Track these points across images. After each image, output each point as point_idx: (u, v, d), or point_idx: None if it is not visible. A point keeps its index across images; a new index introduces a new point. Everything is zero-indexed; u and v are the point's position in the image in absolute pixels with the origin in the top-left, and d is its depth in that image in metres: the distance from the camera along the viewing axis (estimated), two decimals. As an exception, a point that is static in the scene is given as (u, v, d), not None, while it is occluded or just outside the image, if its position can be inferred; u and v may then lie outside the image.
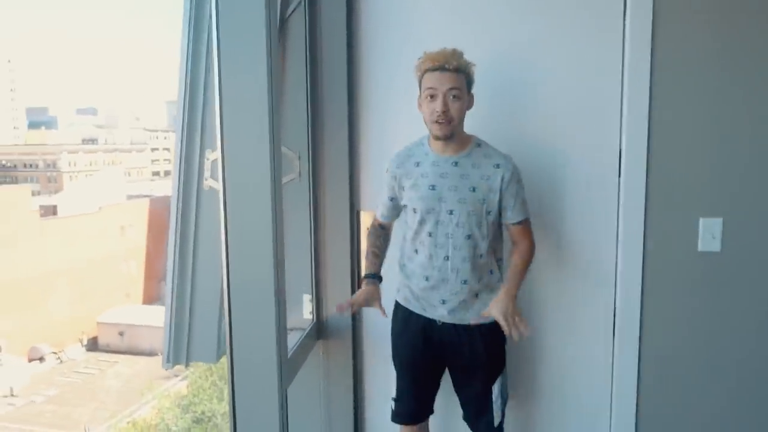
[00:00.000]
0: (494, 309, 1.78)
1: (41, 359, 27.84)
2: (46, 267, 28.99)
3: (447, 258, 1.84)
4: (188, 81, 1.77)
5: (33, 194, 35.93)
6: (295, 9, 2.14)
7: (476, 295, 1.88)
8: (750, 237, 1.96)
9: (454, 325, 1.90)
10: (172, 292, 1.86)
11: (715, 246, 1.98)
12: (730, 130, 1.93)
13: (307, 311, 2.26)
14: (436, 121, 1.75)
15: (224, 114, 1.63)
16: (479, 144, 1.87)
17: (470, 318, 1.88)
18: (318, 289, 2.26)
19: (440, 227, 1.83)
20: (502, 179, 1.80)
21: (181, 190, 1.80)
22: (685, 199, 1.99)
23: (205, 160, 1.79)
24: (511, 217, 1.85)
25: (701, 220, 1.98)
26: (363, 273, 2.02)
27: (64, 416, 22.46)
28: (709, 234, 1.98)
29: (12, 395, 24.58)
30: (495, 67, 2.10)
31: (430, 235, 1.85)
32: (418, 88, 1.83)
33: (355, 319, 2.31)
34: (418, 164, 1.87)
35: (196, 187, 1.80)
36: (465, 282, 1.85)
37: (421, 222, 1.86)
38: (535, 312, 2.17)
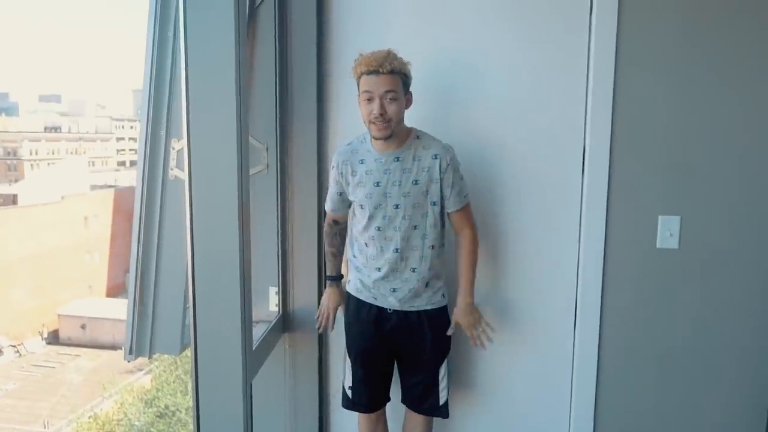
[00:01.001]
0: (461, 321, 1.97)
1: (-1, 352, 27.08)
2: (6, 257, 28.15)
3: (396, 250, 1.92)
4: (154, 68, 1.74)
5: (-8, 183, 34.81)
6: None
7: (426, 284, 1.95)
8: (707, 234, 2.02)
9: (405, 313, 1.97)
10: (136, 283, 1.83)
11: (673, 243, 2.04)
12: (690, 130, 1.99)
13: (273, 303, 2.25)
14: (374, 123, 1.80)
15: (190, 103, 1.61)
16: (418, 136, 1.92)
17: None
18: (284, 281, 2.26)
19: (388, 221, 1.90)
20: (440, 169, 1.86)
21: (145, 179, 1.77)
22: (645, 197, 2.04)
23: (171, 149, 1.77)
24: (449, 205, 1.91)
25: (660, 218, 2.04)
26: (327, 274, 2.14)
27: (23, 411, 21.89)
28: (667, 231, 2.04)
29: (-31, 389, 23.86)
30: (457, 65, 2.12)
31: (378, 229, 1.92)
32: (358, 89, 1.86)
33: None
34: (362, 161, 1.92)
35: (161, 176, 1.77)
36: (414, 271, 1.93)
37: (370, 217, 1.92)
38: (496, 304, 2.21)
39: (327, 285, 2.13)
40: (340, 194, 1.99)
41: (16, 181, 41.70)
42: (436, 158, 1.86)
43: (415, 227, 1.89)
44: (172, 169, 1.78)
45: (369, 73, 1.77)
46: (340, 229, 2.11)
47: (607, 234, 2.07)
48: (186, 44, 1.59)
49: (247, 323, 1.74)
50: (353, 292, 2.03)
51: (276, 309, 2.27)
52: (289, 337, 2.31)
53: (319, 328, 2.14)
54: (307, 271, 2.28)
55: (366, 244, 1.96)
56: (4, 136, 51.02)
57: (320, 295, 2.26)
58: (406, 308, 1.96)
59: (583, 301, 2.15)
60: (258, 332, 2.15)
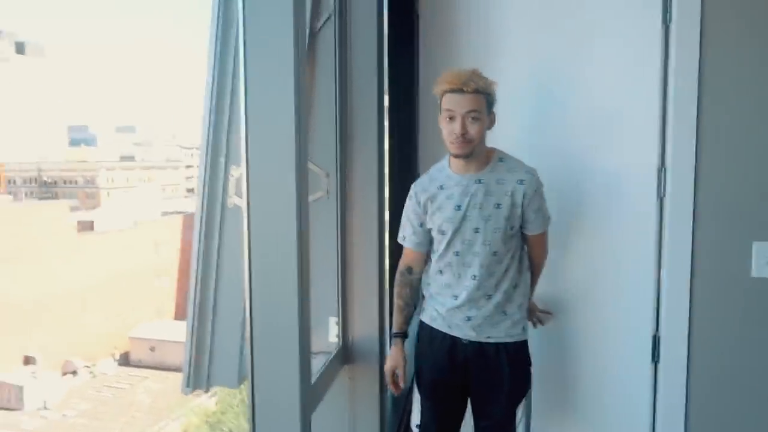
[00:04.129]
0: None
1: (74, 373, 28.25)
2: (82, 282, 29.55)
3: (474, 277, 1.84)
4: (214, 94, 1.73)
5: (71, 210, 36.79)
6: (325, 22, 2.09)
7: (504, 313, 1.86)
8: (809, 263, 1.82)
9: (481, 344, 1.87)
10: (194, 313, 1.80)
11: (769, 272, 1.85)
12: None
13: (333, 334, 2.18)
14: (453, 142, 1.76)
15: (249, 129, 1.57)
16: (502, 159, 1.85)
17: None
18: (345, 311, 2.18)
19: (467, 246, 1.83)
20: (524, 195, 1.81)
21: (205, 207, 1.75)
22: (737, 221, 1.86)
23: (230, 176, 1.75)
24: (531, 229, 1.88)
25: (754, 244, 1.85)
26: (393, 329, 2.02)
27: (94, 430, 22.67)
28: (763, 258, 1.85)
29: (45, 408, 24.94)
30: (526, 79, 2.02)
31: (457, 254, 1.85)
32: (437, 107, 1.82)
33: (383, 343, 2.21)
34: (441, 187, 1.86)
35: (220, 204, 1.75)
36: (490, 298, 1.85)
37: (449, 242, 1.85)
38: (569, 337, 2.07)
39: (392, 343, 1.99)
40: (422, 225, 1.91)
41: (94, 208, 43.92)
42: (521, 183, 1.82)
43: (494, 253, 1.83)
44: (230, 197, 1.76)
45: (452, 91, 1.73)
46: (413, 280, 1.98)
47: (693, 261, 1.90)
48: (245, 69, 1.56)
49: (305, 356, 1.67)
50: (427, 321, 1.96)
51: (336, 340, 2.20)
52: (349, 369, 2.23)
53: (396, 395, 2.05)
54: (367, 301, 2.19)
55: (441, 271, 1.90)
56: (84, 166, 54.03)
57: (382, 324, 2.17)
58: (482, 339, 1.87)
59: (667, 335, 1.97)
60: (318, 364, 2.07)
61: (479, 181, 1.81)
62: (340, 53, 2.11)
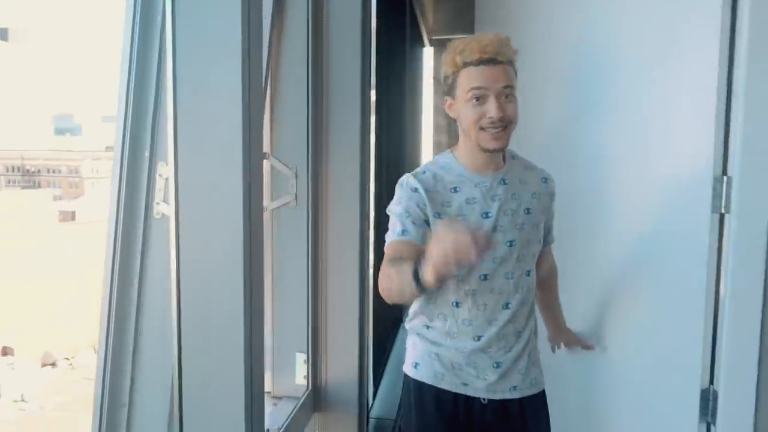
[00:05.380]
0: (563, 338, 1.68)
1: (53, 364, 27.73)
2: (62, 271, 29.01)
3: (507, 305, 1.41)
4: (134, 65, 1.28)
5: (54, 199, 36.15)
6: (296, -18, 1.65)
7: (530, 355, 1.47)
8: None
9: (502, 403, 1.44)
10: (105, 356, 1.34)
11: None
12: None
13: (300, 375, 1.74)
14: (486, 129, 1.31)
15: (179, 113, 1.14)
16: (513, 155, 1.48)
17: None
18: (315, 346, 1.74)
19: (497, 265, 1.40)
20: (551, 196, 1.50)
21: (121, 218, 1.29)
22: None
23: (157, 176, 1.30)
24: (550, 239, 1.58)
25: None
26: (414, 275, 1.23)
27: (72, 422, 22.21)
28: None
29: (23, 400, 24.44)
30: (553, 65, 1.60)
31: (485, 278, 1.39)
32: (448, 87, 1.37)
33: (364, 386, 1.78)
34: (455, 189, 1.37)
35: (142, 213, 1.29)
36: (519, 335, 1.44)
37: (478, 263, 1.35)
38: (596, 384, 1.66)
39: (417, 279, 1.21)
40: (427, 222, 1.35)
41: (77, 197, 43.16)
42: (546, 182, 1.49)
43: (528, 273, 1.44)
44: (157, 204, 1.31)
45: (481, 62, 1.30)
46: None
47: (766, 300, 1.48)
48: (173, 31, 1.13)
49: (255, 405, 1.25)
50: (429, 380, 1.44)
51: (304, 382, 1.76)
52: (321, 419, 1.80)
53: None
54: (345, 333, 1.76)
55: (457, 304, 1.40)
56: (68, 155, 53.17)
57: (362, 364, 1.74)
58: (506, 395, 1.44)
59: (727, 393, 1.54)
60: (281, 413, 1.65)
61: (504, 182, 1.41)
62: (314, 20, 1.67)
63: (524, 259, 1.43)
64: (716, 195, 1.50)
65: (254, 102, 1.18)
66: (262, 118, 1.23)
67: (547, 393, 1.61)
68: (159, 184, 1.34)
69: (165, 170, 1.30)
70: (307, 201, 1.69)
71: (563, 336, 1.70)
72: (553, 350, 1.72)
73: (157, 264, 1.31)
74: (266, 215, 1.73)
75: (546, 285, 1.63)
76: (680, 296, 1.58)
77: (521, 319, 1.45)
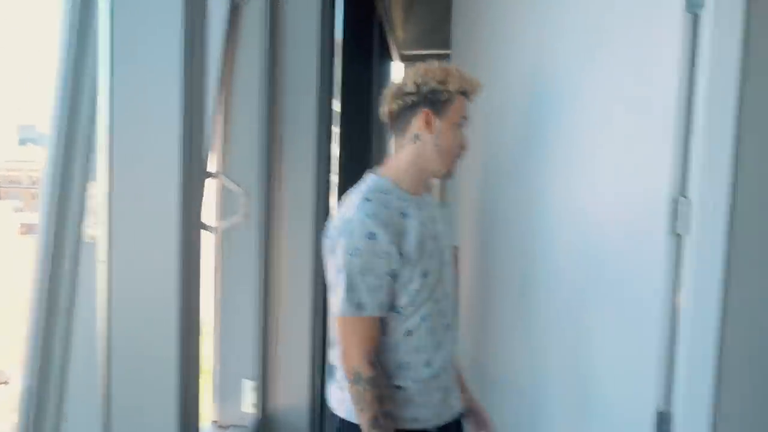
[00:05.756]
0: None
1: (6, 383, 26.72)
2: (23, 286, 28.07)
3: (448, 327, 1.39)
4: (69, 70, 1.19)
5: (15, 211, 35.14)
6: (251, -5, 1.59)
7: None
8: None
9: (446, 426, 1.37)
10: (30, 387, 1.23)
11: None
12: None
13: (248, 403, 1.66)
14: (459, 156, 1.34)
15: (114, 132, 1.07)
16: None
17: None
18: (265, 372, 1.66)
19: (443, 288, 1.37)
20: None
21: (49, 243, 1.18)
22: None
23: (87, 196, 1.20)
24: None
25: (801, 304, 1.42)
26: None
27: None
28: (811, 324, 1.41)
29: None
30: (511, 82, 1.58)
31: (437, 302, 1.35)
32: (437, 102, 1.31)
33: (316, 414, 1.70)
34: (404, 215, 1.30)
35: (73, 237, 1.19)
36: (453, 353, 1.41)
37: (431, 287, 1.34)
38: (549, 409, 1.61)
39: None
40: (394, 275, 1.28)
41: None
42: (445, 207, 1.60)
43: (454, 293, 1.43)
44: (89, 227, 1.21)
45: (468, 94, 1.35)
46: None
47: (724, 321, 1.45)
48: (111, 39, 1.06)
49: None
50: (421, 425, 1.34)
51: (253, 410, 1.67)
52: (270, 449, 1.71)
53: None
54: (297, 358, 1.69)
55: (410, 332, 1.33)
56: (30, 166, 51.86)
57: (314, 391, 1.66)
58: (449, 417, 1.38)
59: (682, 416, 1.51)
60: (226, 443, 1.56)
61: (431, 204, 1.41)
62: (270, 37, 1.61)
63: (454, 276, 1.43)
64: (674, 216, 1.48)
65: (195, 119, 1.12)
66: (203, 136, 1.16)
67: (498, 414, 1.57)
68: (90, 204, 1.26)
69: (96, 190, 1.22)
70: (258, 221, 1.63)
71: (478, 411, 1.54)
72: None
73: (88, 290, 1.21)
74: (216, 236, 1.66)
75: None
76: (637, 318, 1.55)
77: (455, 338, 1.43)
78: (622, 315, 1.57)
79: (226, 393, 1.62)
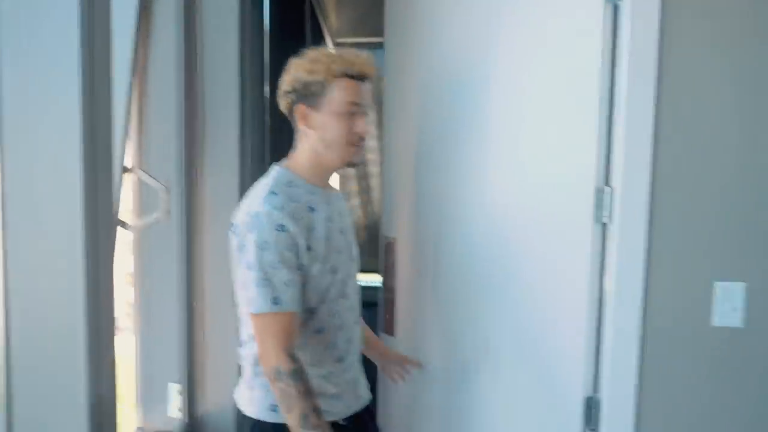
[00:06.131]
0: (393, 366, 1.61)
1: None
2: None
3: (356, 321, 1.41)
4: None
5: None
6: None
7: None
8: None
9: (357, 416, 1.40)
10: None
11: (736, 320, 1.47)
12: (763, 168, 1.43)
13: (174, 407, 1.59)
14: (356, 144, 1.28)
15: (4, 121, 0.99)
16: None
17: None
18: (192, 375, 1.60)
19: (351, 282, 1.38)
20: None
21: None
22: (698, 256, 1.47)
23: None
24: None
25: (717, 285, 1.46)
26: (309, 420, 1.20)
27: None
28: (728, 303, 1.47)
29: None
30: (431, 72, 1.56)
31: (345, 297, 1.35)
32: (309, 95, 1.26)
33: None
34: (312, 209, 1.27)
35: None
36: (359, 345, 1.44)
37: (340, 283, 1.33)
38: (479, 399, 1.62)
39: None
40: (301, 268, 1.24)
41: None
42: (344, 200, 1.47)
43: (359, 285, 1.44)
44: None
45: (355, 77, 1.26)
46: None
47: (646, 309, 1.49)
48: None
49: None
50: (333, 416, 1.30)
51: (179, 415, 1.61)
52: (199, 454, 1.65)
53: None
54: (224, 358, 1.63)
55: (321, 330, 1.32)
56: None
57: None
58: (358, 408, 1.40)
59: (610, 400, 1.55)
60: (152, 450, 1.49)
61: (338, 197, 1.40)
62: (186, 20, 1.54)
63: (357, 272, 1.42)
64: (599, 205, 1.50)
65: (98, 110, 1.04)
66: (110, 129, 1.09)
67: (422, 403, 1.58)
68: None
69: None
70: (180, 217, 1.55)
71: (391, 357, 1.64)
72: (394, 379, 1.65)
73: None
74: (134, 234, 1.58)
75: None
76: (564, 306, 1.57)
77: (360, 331, 1.45)
78: (551, 304, 1.59)
79: (150, 398, 1.54)
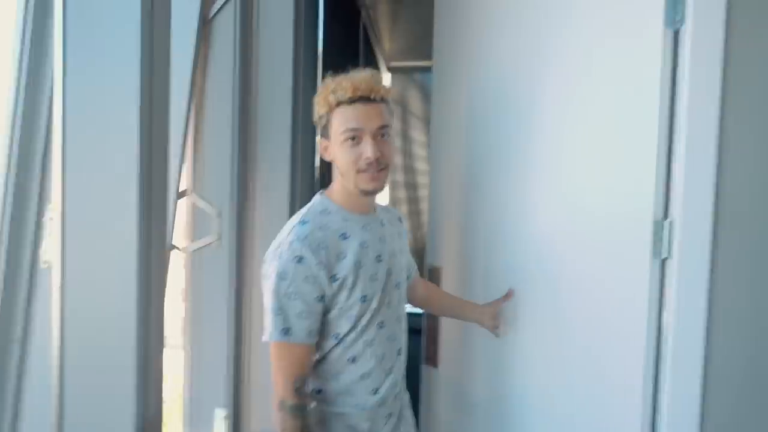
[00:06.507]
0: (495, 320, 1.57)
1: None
2: None
3: (400, 352, 1.37)
4: (23, 88, 1.13)
5: None
6: (223, 5, 1.55)
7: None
8: None
9: None
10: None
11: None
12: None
13: (220, 432, 1.59)
14: (365, 171, 1.23)
15: (68, 148, 1.01)
16: None
17: None
18: (238, 400, 1.59)
19: (392, 311, 1.34)
20: (405, 234, 1.50)
21: (3, 268, 1.12)
22: (766, 295, 1.38)
23: (47, 219, 1.14)
24: (413, 272, 1.57)
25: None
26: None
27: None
28: (802, 348, 1.36)
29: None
30: (480, 98, 1.53)
31: (381, 326, 1.31)
32: (323, 128, 1.28)
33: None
34: (345, 236, 1.25)
35: (28, 263, 1.13)
36: (404, 378, 1.42)
37: (375, 311, 1.29)
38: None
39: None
40: (322, 298, 1.22)
41: None
42: (401, 221, 1.49)
43: (406, 315, 1.41)
44: (45, 252, 1.15)
45: (354, 101, 1.22)
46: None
47: (707, 352, 1.40)
48: (63, 47, 1.01)
49: None
50: None
51: (225, 439, 1.61)
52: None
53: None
54: (269, 386, 1.61)
55: (353, 359, 1.29)
56: None
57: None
58: None
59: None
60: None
61: (382, 223, 1.36)
62: (242, 48, 1.56)
63: (404, 300, 1.41)
64: (657, 239, 1.43)
65: (156, 136, 1.06)
66: (166, 154, 1.11)
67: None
68: (47, 227, 1.20)
69: (53, 212, 1.16)
70: (231, 241, 1.57)
71: (489, 311, 1.58)
72: (499, 332, 1.62)
73: (43, 319, 1.15)
74: (186, 257, 1.60)
75: (435, 294, 1.63)
76: (622, 344, 1.50)
77: (405, 363, 1.41)
78: (609, 343, 1.51)
79: (197, 422, 1.54)
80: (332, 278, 1.21)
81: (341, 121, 1.23)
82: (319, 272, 1.18)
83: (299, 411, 1.17)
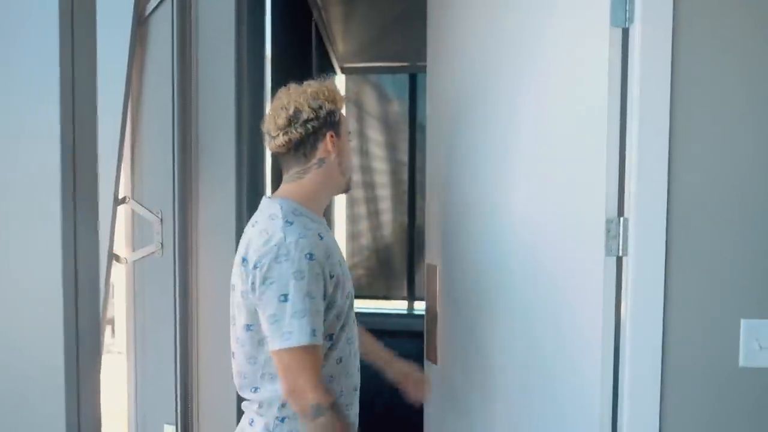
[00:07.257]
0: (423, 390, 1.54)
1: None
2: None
3: (356, 388, 1.37)
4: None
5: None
6: (160, 2, 1.47)
7: None
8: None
9: None
10: None
11: (764, 360, 1.37)
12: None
13: (167, 450, 1.51)
14: (354, 172, 1.28)
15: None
16: None
17: None
18: (185, 416, 1.52)
19: (352, 314, 1.34)
20: None
21: None
22: (724, 291, 1.38)
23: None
24: None
25: (743, 323, 1.37)
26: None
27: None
28: (755, 342, 1.37)
29: None
30: (442, 98, 1.50)
31: (354, 323, 1.36)
32: (333, 123, 1.29)
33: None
34: (321, 236, 1.23)
35: None
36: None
37: (352, 309, 1.33)
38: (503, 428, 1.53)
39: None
40: (325, 297, 1.20)
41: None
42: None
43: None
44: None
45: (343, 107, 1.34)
46: None
47: (665, 348, 1.40)
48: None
49: None
50: None
51: (173, 458, 1.53)
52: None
53: None
54: (222, 399, 1.55)
55: (341, 359, 1.30)
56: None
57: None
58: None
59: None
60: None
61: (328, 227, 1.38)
62: (180, 46, 1.49)
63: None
64: (610, 237, 1.41)
65: (82, 135, 0.99)
66: (95, 160, 1.03)
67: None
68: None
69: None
70: (174, 250, 1.49)
71: (406, 371, 1.54)
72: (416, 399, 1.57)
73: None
74: (128, 268, 1.52)
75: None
76: (580, 341, 1.48)
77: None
78: (565, 341, 1.51)
79: (142, 440, 1.47)
80: (330, 276, 1.19)
81: (346, 123, 1.32)
82: (324, 270, 1.17)
83: (338, 408, 1.14)
